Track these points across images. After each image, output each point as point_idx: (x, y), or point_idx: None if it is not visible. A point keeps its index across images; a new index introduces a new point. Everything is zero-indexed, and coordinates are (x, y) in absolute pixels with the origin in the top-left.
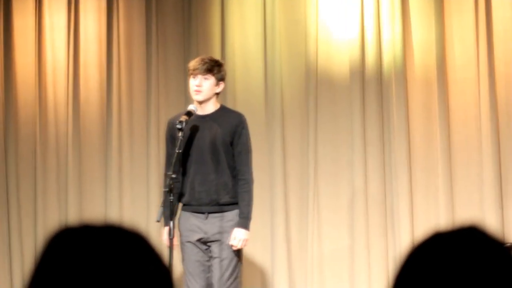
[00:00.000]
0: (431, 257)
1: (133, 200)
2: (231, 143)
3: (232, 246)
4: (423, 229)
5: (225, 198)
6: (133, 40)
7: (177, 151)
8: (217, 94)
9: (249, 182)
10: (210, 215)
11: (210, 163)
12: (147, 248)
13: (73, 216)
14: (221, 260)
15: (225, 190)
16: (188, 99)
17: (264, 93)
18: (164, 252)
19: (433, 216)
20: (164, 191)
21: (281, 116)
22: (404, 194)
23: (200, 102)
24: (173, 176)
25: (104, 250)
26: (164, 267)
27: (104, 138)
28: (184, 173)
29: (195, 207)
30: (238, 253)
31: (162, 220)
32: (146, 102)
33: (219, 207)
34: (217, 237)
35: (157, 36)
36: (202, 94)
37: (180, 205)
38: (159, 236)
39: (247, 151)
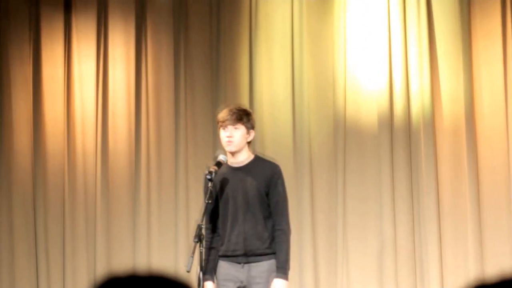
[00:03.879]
0: None
1: (161, 248)
2: (267, 194)
3: None
4: (452, 280)
5: (261, 249)
6: (162, 89)
7: (206, 201)
8: (249, 143)
9: (286, 232)
10: (246, 265)
11: (246, 214)
12: None
13: (101, 264)
14: None
15: (260, 241)
16: (215, 148)
17: (293, 143)
18: None
19: (462, 267)
20: (194, 242)
21: (309, 167)
22: (433, 245)
23: (233, 153)
24: (202, 226)
25: None
26: None
27: (132, 187)
28: (221, 225)
29: (231, 258)
30: None
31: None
32: (175, 151)
33: (255, 257)
34: (252, 287)
35: (185, 85)
36: (234, 145)
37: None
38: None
39: (284, 200)
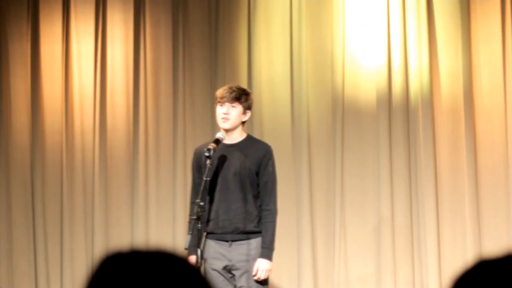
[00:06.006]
0: (477, 285)
1: (159, 226)
2: (257, 173)
3: (255, 276)
4: (450, 256)
5: (249, 227)
6: (160, 67)
7: (204, 178)
8: (243, 122)
9: (273, 212)
10: (234, 243)
11: (235, 192)
12: (196, 274)
13: (99, 242)
14: None
15: (249, 219)
16: (214, 127)
17: (291, 121)
18: None
19: (460, 246)
20: (192, 219)
21: (307, 145)
22: (430, 224)
23: (227, 130)
24: (201, 203)
25: (152, 275)
26: None
27: (130, 165)
28: (209, 202)
29: (219, 235)
30: (263, 282)
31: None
32: (173, 129)
33: (243, 235)
34: (241, 265)
35: (184, 63)
36: (229, 122)
37: (204, 233)
38: None
39: (273, 181)
